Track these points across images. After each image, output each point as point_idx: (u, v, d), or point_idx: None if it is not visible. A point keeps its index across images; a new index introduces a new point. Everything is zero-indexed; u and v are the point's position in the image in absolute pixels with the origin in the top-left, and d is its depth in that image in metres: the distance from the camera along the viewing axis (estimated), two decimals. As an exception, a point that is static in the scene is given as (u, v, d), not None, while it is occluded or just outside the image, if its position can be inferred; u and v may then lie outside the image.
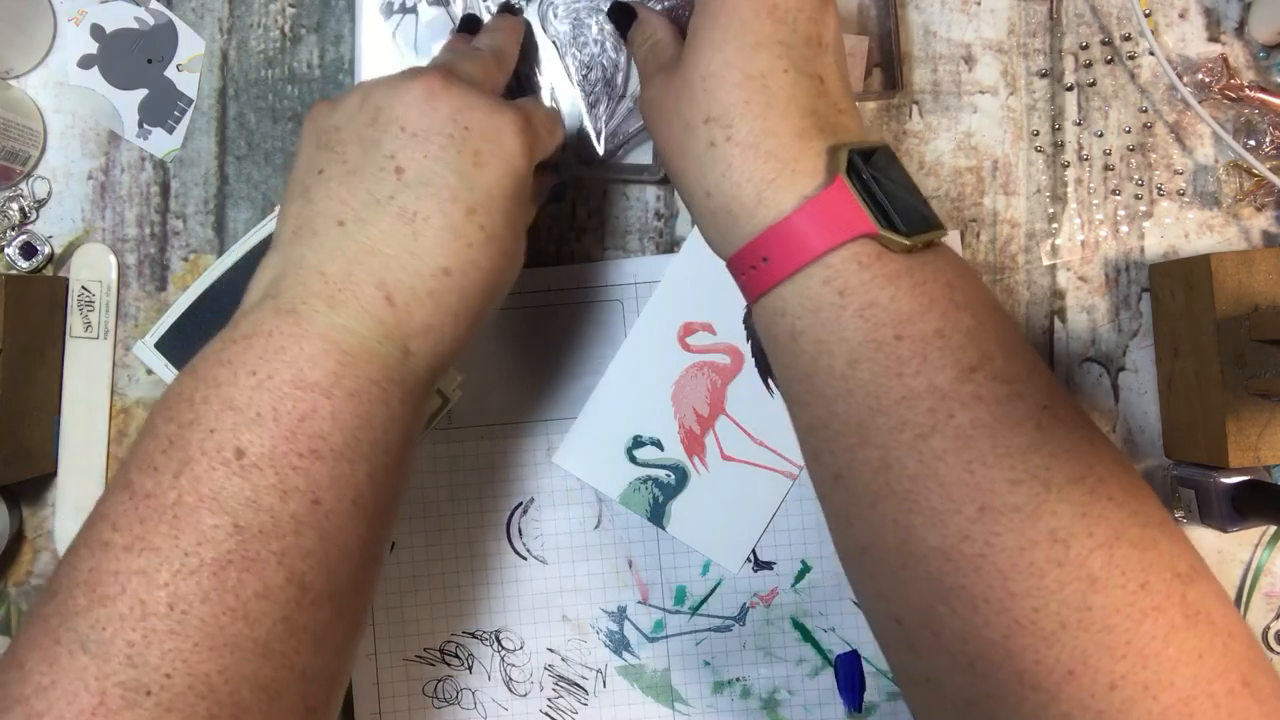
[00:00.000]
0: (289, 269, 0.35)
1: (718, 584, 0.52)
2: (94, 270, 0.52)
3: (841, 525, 0.36)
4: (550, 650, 0.52)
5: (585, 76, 0.48)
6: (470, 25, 0.47)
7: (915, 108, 0.52)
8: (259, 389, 0.32)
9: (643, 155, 0.49)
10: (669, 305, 0.51)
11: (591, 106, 0.49)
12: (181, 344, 0.50)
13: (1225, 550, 0.51)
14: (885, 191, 0.34)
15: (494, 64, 0.42)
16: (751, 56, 0.35)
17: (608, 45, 0.48)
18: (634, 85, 0.48)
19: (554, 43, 0.49)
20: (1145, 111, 0.51)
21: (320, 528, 0.33)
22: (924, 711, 0.35)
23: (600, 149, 0.49)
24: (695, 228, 0.51)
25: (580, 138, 0.49)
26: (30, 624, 0.32)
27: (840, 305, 0.33)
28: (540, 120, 0.39)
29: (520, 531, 0.52)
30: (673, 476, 0.51)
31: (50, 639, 0.31)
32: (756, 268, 0.35)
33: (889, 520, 0.33)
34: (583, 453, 0.51)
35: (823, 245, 0.33)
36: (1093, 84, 0.51)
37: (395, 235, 0.34)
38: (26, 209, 0.52)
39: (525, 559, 0.52)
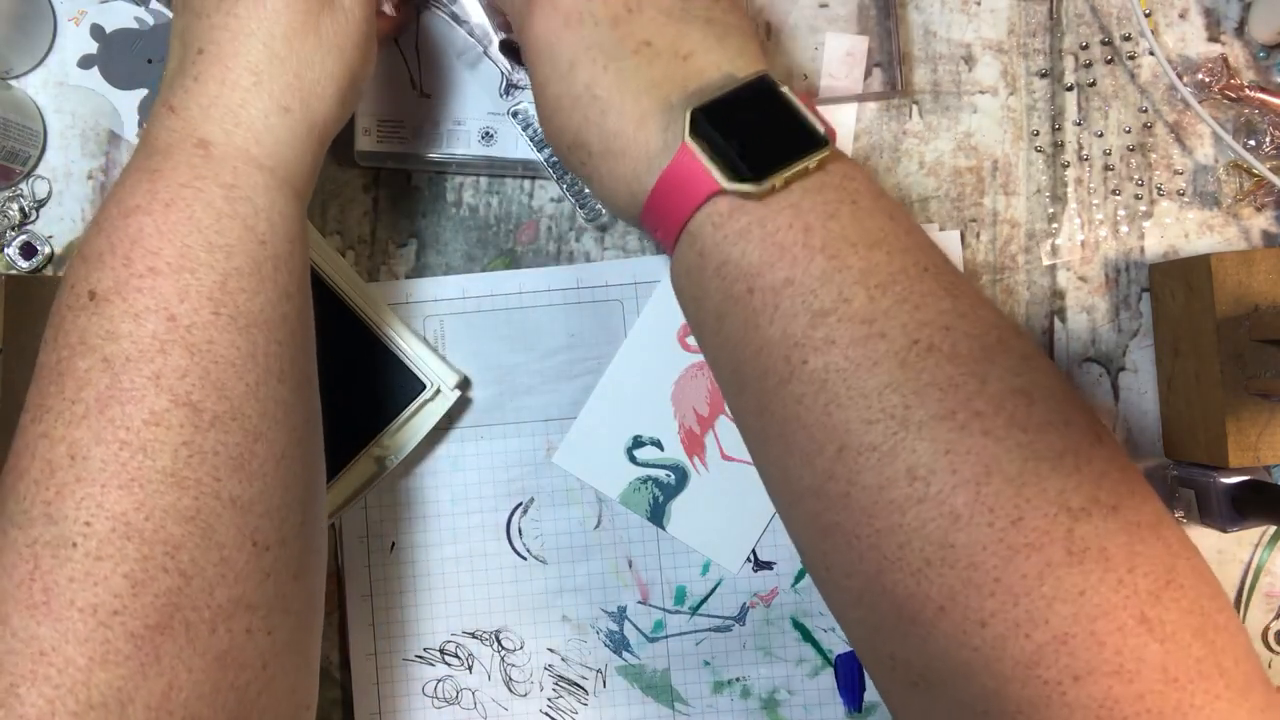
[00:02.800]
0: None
1: (718, 584, 0.52)
2: (94, 270, 0.52)
3: (760, 473, 0.37)
4: (550, 650, 0.52)
5: None
6: None
7: (915, 108, 0.52)
8: (98, 234, 0.34)
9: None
10: (669, 305, 0.51)
11: None
12: (181, 344, 0.50)
13: (1225, 550, 0.51)
14: (737, 136, 0.33)
15: None
16: (570, 79, 0.35)
17: None
18: None
19: None
20: (1145, 111, 0.51)
21: (186, 342, 0.33)
22: (851, 643, 0.36)
23: None
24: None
25: None
26: None
27: (701, 267, 0.34)
28: None
29: (520, 531, 0.52)
30: (673, 476, 0.51)
31: None
32: (655, 239, 0.37)
33: (773, 460, 0.35)
34: (583, 453, 0.51)
35: (678, 217, 0.34)
36: (1093, 84, 0.51)
37: (175, 56, 0.37)
38: (26, 209, 0.52)
39: (525, 559, 0.52)
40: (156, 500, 0.31)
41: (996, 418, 0.31)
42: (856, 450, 0.31)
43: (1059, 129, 0.51)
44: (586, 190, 0.49)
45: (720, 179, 0.33)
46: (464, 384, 0.51)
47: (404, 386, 0.50)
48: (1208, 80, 0.50)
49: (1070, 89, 0.51)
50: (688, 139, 0.33)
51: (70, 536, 0.30)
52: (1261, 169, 0.48)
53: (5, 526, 0.31)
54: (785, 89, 0.35)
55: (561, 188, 0.49)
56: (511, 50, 0.47)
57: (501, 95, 0.48)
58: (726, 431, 0.51)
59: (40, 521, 0.31)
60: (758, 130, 0.34)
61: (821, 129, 0.34)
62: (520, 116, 0.48)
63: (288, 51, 0.36)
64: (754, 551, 0.51)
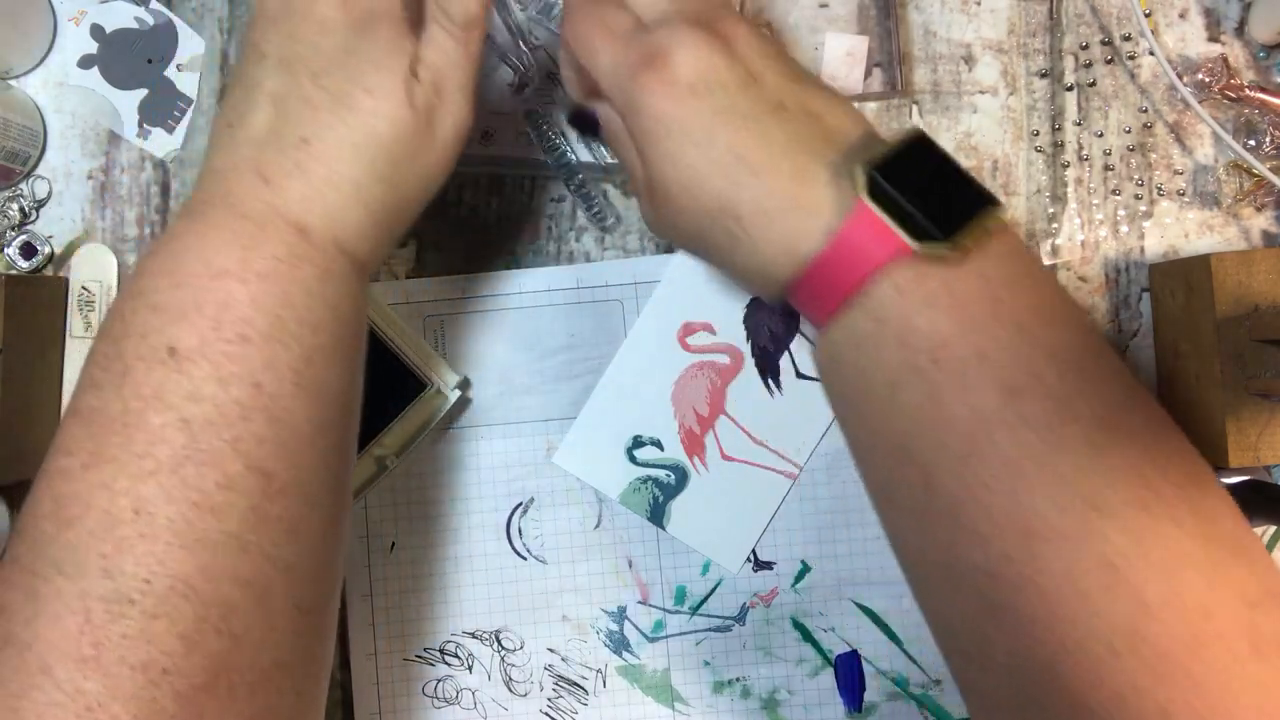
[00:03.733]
0: (198, 181, 0.37)
1: (718, 584, 0.52)
2: (94, 270, 0.52)
3: (893, 539, 0.35)
4: (550, 650, 0.52)
5: None
6: None
7: (915, 108, 0.52)
8: (178, 288, 0.33)
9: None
10: (669, 305, 0.51)
11: None
12: (181, 344, 0.50)
13: (1225, 550, 0.51)
14: (914, 192, 0.31)
15: None
16: (709, 147, 0.34)
17: None
18: None
19: None
20: (1145, 111, 0.51)
21: (268, 411, 0.33)
22: (981, 715, 0.35)
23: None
24: (695, 228, 0.51)
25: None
26: (3, 567, 0.32)
27: (879, 335, 0.32)
28: None
29: (520, 531, 0.52)
30: (673, 476, 0.51)
31: (26, 574, 0.31)
32: (805, 309, 0.35)
33: (934, 538, 0.32)
34: (583, 453, 0.51)
35: (852, 281, 0.32)
36: (1093, 84, 0.51)
37: (263, 118, 0.36)
38: (26, 209, 0.52)
39: (525, 559, 0.52)
40: (218, 563, 0.31)
41: (1180, 505, 0.30)
42: (1045, 536, 0.30)
43: (1059, 129, 0.51)
44: (594, 194, 0.49)
45: (908, 240, 0.31)
46: (464, 384, 0.51)
47: (404, 386, 0.50)
48: (1208, 80, 0.50)
49: (1070, 89, 0.51)
50: (865, 198, 0.31)
51: (128, 593, 0.30)
52: (1261, 169, 0.48)
53: (49, 573, 0.30)
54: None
55: (569, 188, 0.49)
56: (584, 122, 0.42)
57: (513, 91, 0.48)
58: (726, 431, 0.51)
59: (95, 574, 0.30)
60: (932, 189, 0.32)
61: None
62: (535, 117, 0.47)
63: (390, 171, 0.37)
64: (754, 551, 0.51)
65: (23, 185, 0.52)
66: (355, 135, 0.36)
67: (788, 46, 0.51)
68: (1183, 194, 0.51)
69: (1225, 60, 0.50)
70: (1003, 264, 0.32)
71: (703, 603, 0.52)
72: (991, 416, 0.31)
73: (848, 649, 0.51)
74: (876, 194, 0.31)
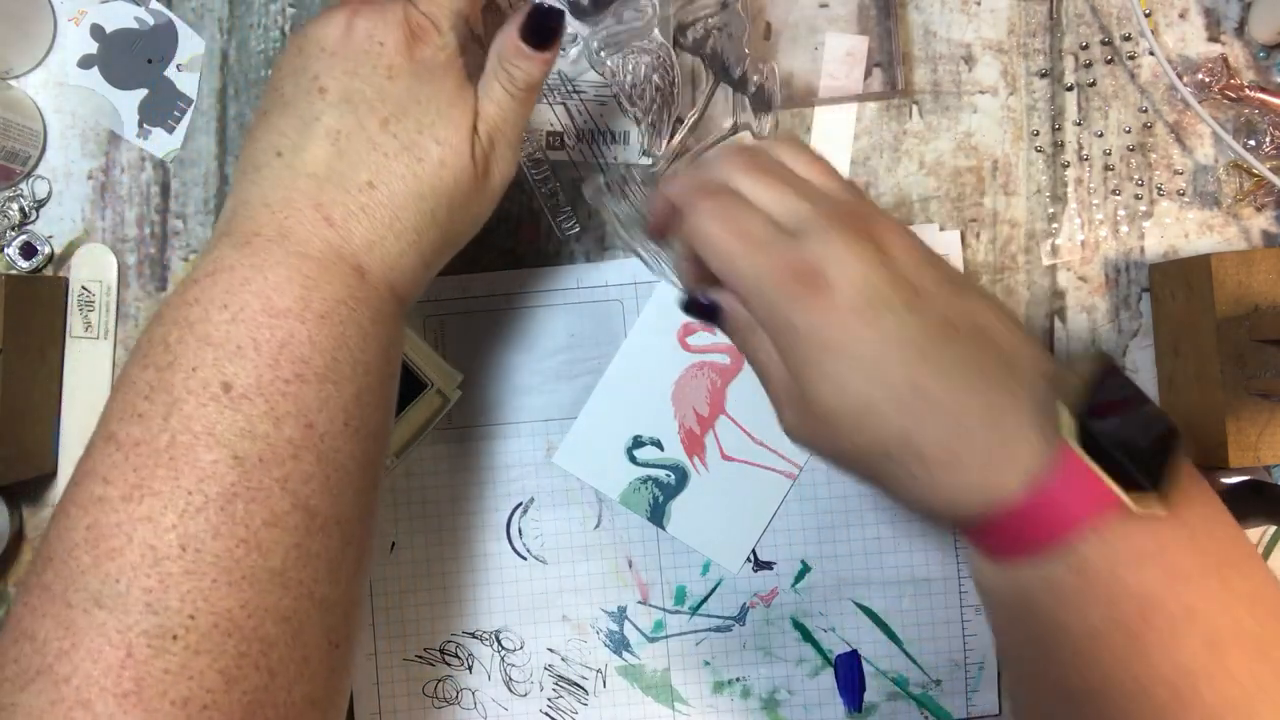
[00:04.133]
0: (239, 206, 0.36)
1: (718, 584, 0.52)
2: (94, 270, 0.52)
3: None
4: (550, 650, 0.52)
5: None
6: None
7: (915, 108, 0.52)
8: (234, 322, 0.33)
9: (643, 155, 0.49)
10: (669, 305, 0.51)
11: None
12: (181, 344, 0.50)
13: (1225, 550, 0.51)
14: (1120, 436, 0.30)
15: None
16: (882, 378, 0.31)
17: None
18: None
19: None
20: (1145, 111, 0.51)
21: (317, 450, 0.33)
22: None
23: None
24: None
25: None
26: (30, 594, 0.31)
27: (1082, 589, 0.30)
28: (449, 7, 0.38)
29: (520, 531, 0.52)
30: (673, 476, 0.51)
31: (60, 603, 0.30)
32: (983, 545, 0.32)
33: None
34: (583, 453, 0.51)
35: (1057, 534, 0.30)
36: (1093, 84, 0.51)
37: (324, 155, 0.36)
38: (26, 209, 0.52)
39: (525, 559, 0.52)
40: (261, 599, 0.31)
41: None
42: None
43: (1059, 129, 0.51)
44: (563, 202, 0.48)
45: (1121, 495, 0.29)
46: (464, 384, 0.51)
47: (404, 386, 0.50)
48: (1208, 80, 0.50)
49: (1070, 89, 0.51)
50: (1075, 447, 0.29)
51: (172, 629, 0.30)
52: (1261, 169, 0.48)
53: (87, 604, 0.30)
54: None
55: (541, 193, 0.48)
56: (700, 311, 0.37)
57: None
58: (726, 431, 0.51)
59: (137, 609, 0.30)
60: (1129, 428, 0.30)
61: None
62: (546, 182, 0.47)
63: (447, 220, 0.38)
64: (754, 551, 0.51)
65: (23, 185, 0.52)
66: (422, 185, 0.37)
67: (788, 46, 0.51)
68: (1183, 194, 0.51)
69: (1225, 60, 0.50)
70: (1197, 507, 0.31)
71: (703, 603, 0.52)
72: (1197, 671, 0.29)
73: (848, 649, 0.51)
74: (1085, 441, 0.30)
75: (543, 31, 0.38)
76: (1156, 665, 0.30)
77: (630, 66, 0.47)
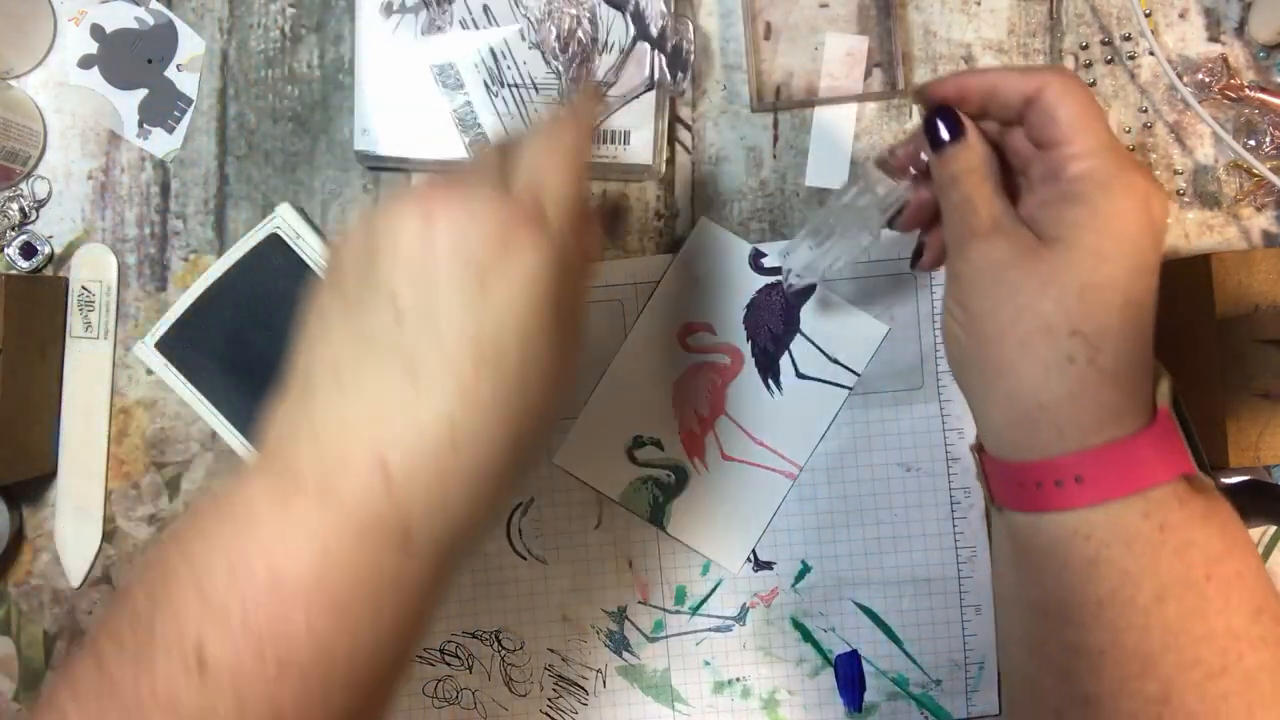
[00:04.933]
0: (285, 432, 0.31)
1: (718, 584, 0.52)
2: (94, 270, 0.52)
3: None
4: (550, 650, 0.52)
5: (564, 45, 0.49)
6: None
7: (915, 108, 0.52)
8: (230, 579, 0.28)
9: (642, 155, 0.49)
10: (669, 305, 0.51)
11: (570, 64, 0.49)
12: (181, 344, 0.50)
13: (1225, 550, 0.51)
14: (1188, 427, 0.34)
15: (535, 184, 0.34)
16: (1137, 280, 0.33)
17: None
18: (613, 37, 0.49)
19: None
20: (1145, 111, 0.51)
21: None
22: None
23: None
24: (697, 229, 0.51)
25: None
26: None
27: (1159, 541, 0.33)
28: (556, 193, 0.33)
29: (520, 531, 0.52)
30: (673, 476, 0.51)
31: None
32: (1063, 483, 0.34)
33: None
34: (583, 453, 0.51)
35: (1150, 479, 0.33)
36: (1093, 84, 0.51)
37: (393, 385, 0.30)
38: (26, 209, 0.52)
39: (525, 559, 0.52)
40: None
41: None
42: None
43: (1059, 129, 0.51)
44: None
45: (1194, 466, 0.34)
46: (464, 384, 0.51)
47: (404, 386, 0.50)
48: (1208, 80, 0.50)
49: (1070, 89, 0.51)
50: (1171, 412, 0.34)
51: None
52: (1261, 169, 0.48)
53: None
54: None
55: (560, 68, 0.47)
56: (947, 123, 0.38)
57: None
58: (726, 431, 0.51)
59: None
60: (1189, 423, 0.35)
61: None
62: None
63: (530, 456, 0.33)
64: (754, 551, 0.51)
65: (23, 185, 0.52)
66: (520, 428, 0.31)
67: (788, 46, 0.51)
68: (1183, 194, 0.51)
69: (1225, 60, 0.50)
70: (1218, 497, 0.35)
71: (703, 603, 0.52)
72: (1243, 634, 0.32)
73: (848, 649, 0.51)
74: (1175, 415, 0.34)
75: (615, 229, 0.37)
76: (1212, 626, 0.32)
77: (556, 19, 0.48)
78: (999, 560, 0.38)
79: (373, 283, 0.31)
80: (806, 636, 0.52)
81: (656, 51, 0.49)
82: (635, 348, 0.51)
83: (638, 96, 0.49)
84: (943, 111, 0.38)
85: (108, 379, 0.52)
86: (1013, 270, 0.34)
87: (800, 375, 0.51)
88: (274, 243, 0.50)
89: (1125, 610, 0.33)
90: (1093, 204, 0.33)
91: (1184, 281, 0.48)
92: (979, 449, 0.38)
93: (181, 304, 0.50)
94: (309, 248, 0.50)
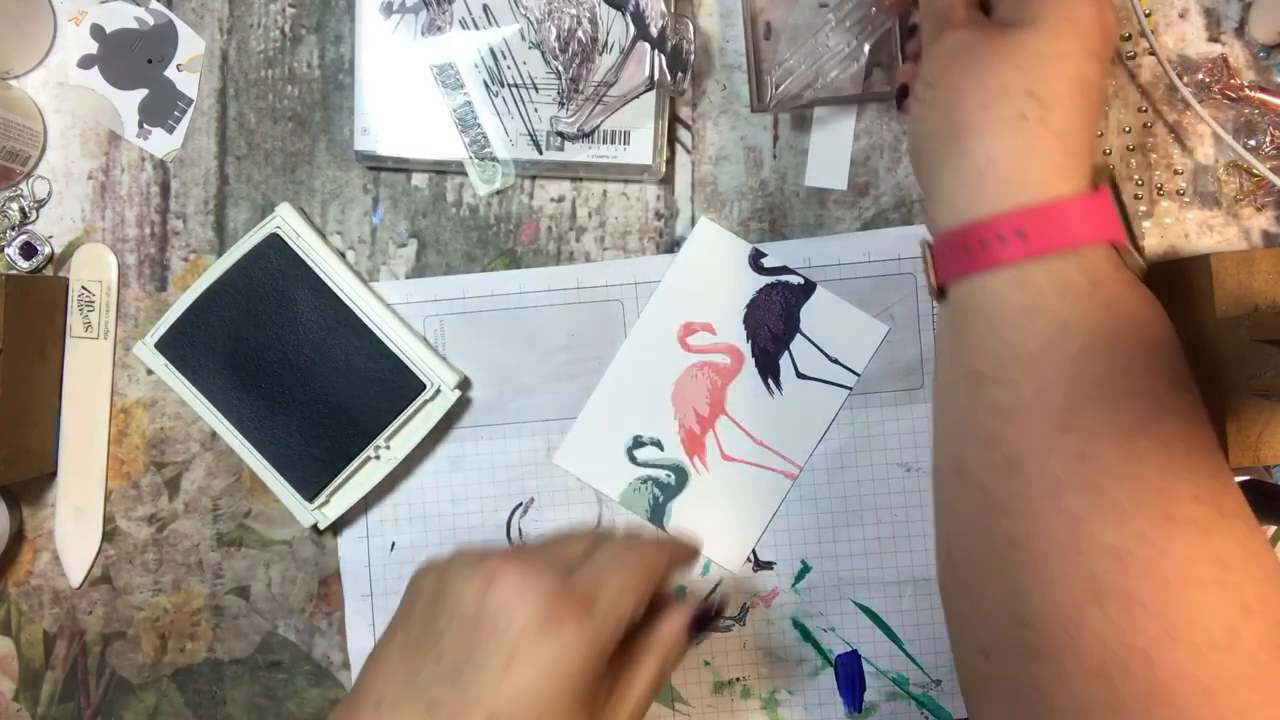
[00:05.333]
0: None
1: (718, 584, 0.52)
2: (94, 270, 0.52)
3: (994, 517, 0.34)
4: (550, 650, 0.52)
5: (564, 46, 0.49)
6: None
7: None
8: None
9: (642, 155, 0.49)
10: (669, 305, 0.51)
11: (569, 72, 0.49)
12: (181, 344, 0.50)
13: (1225, 550, 0.51)
14: (1126, 217, 0.36)
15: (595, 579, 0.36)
16: (1086, 62, 0.36)
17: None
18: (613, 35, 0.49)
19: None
20: (1145, 111, 0.51)
21: None
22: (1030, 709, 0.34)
23: (575, 125, 0.49)
24: (697, 229, 0.51)
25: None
26: None
27: (1091, 293, 0.34)
28: (613, 593, 0.35)
29: (520, 531, 0.52)
30: (673, 476, 0.51)
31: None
32: (1004, 239, 0.35)
33: (1064, 512, 0.33)
34: (583, 453, 0.51)
35: (1089, 236, 0.35)
36: (1093, 84, 0.51)
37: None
38: (26, 209, 0.52)
39: (525, 559, 0.52)
40: None
41: (1259, 531, 0.33)
42: (1179, 521, 0.31)
43: (1059, 129, 0.51)
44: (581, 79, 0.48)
45: (1127, 241, 0.35)
46: (464, 384, 0.51)
47: (404, 386, 0.50)
48: (1208, 80, 0.50)
49: (1070, 89, 0.51)
50: (1110, 189, 0.36)
51: None
52: (1261, 169, 0.48)
53: None
54: None
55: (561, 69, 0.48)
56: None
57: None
58: (726, 431, 0.51)
59: None
60: (1125, 216, 0.37)
61: None
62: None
63: None
64: (754, 551, 0.51)
65: (23, 185, 0.52)
66: None
67: (788, 47, 0.51)
68: (1183, 194, 0.51)
69: (1225, 60, 0.50)
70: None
71: (703, 603, 0.52)
72: (1164, 400, 0.33)
73: (848, 649, 0.51)
74: (1117, 201, 0.36)
75: (707, 625, 0.37)
76: (1135, 384, 0.34)
77: (556, 19, 0.48)
78: (939, 348, 0.39)
79: (433, 627, 0.34)
80: (806, 636, 0.52)
81: (656, 51, 0.49)
82: (635, 348, 0.51)
83: (638, 96, 0.49)
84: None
85: (108, 379, 0.52)
86: (980, 44, 0.37)
87: (800, 375, 0.51)
88: (274, 243, 0.50)
89: (1055, 360, 0.34)
90: None
91: (1184, 281, 0.48)
92: (927, 244, 0.40)
93: (181, 304, 0.50)
94: (309, 248, 0.50)
